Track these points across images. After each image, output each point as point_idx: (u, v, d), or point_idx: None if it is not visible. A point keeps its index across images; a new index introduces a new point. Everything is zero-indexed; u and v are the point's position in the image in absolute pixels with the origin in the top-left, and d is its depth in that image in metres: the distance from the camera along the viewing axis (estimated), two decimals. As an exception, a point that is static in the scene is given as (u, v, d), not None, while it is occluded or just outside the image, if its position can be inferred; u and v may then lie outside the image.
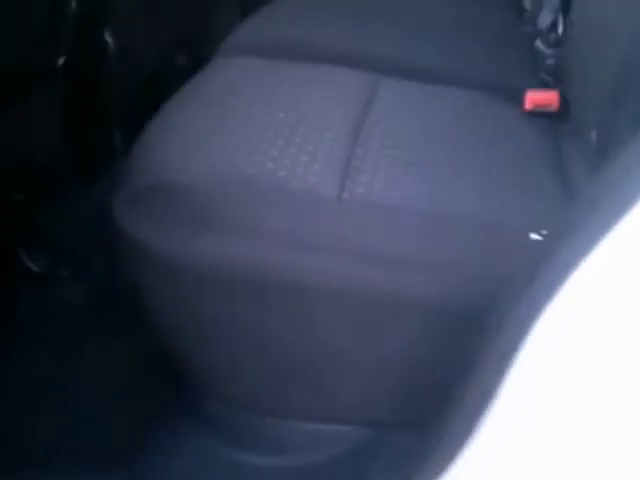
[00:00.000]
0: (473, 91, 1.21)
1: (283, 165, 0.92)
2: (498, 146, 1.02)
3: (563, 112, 1.13)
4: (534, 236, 0.83)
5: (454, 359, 0.63)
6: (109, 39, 1.53)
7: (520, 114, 1.15)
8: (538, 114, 1.15)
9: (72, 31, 1.41)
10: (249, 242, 0.86)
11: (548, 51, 1.16)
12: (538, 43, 1.19)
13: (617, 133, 0.82)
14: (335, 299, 0.87)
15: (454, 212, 0.89)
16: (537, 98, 1.15)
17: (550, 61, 1.16)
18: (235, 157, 0.92)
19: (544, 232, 0.84)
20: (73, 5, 1.40)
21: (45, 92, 1.35)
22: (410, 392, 0.90)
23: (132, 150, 1.02)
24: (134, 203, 0.92)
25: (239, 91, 1.10)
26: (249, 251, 0.86)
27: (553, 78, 1.17)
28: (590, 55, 1.01)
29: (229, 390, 0.96)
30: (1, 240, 1.45)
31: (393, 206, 0.89)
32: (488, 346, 0.58)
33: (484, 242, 0.86)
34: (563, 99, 1.13)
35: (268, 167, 0.91)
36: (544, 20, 1.16)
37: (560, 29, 1.14)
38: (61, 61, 1.38)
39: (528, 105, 1.16)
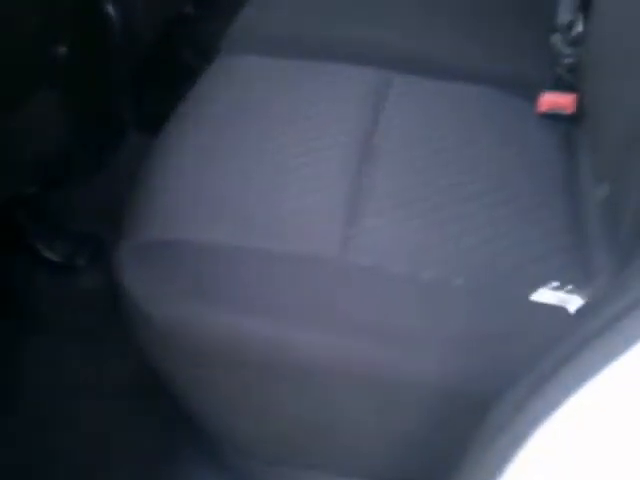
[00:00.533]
0: (488, 87, 1.17)
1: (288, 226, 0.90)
2: (510, 178, 0.99)
3: (579, 116, 1.09)
4: (542, 296, 0.82)
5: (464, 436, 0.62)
6: (111, 11, 1.50)
7: (535, 116, 1.12)
8: (553, 116, 1.12)
9: (71, 16, 1.37)
10: (254, 317, 0.85)
11: (566, 49, 1.12)
12: (556, 39, 1.14)
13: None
14: (338, 377, 0.85)
15: (462, 281, 0.87)
16: (552, 101, 1.11)
17: (568, 60, 1.12)
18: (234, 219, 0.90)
19: (555, 284, 0.83)
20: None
21: (48, 85, 1.33)
22: (418, 458, 0.90)
23: (133, 193, 0.99)
24: (139, 263, 0.90)
25: (243, 116, 1.07)
26: (254, 327, 0.85)
27: (571, 76, 1.12)
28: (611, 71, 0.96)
29: (244, 446, 0.96)
30: (17, 233, 1.45)
31: (399, 276, 0.87)
32: (488, 436, 0.57)
33: (490, 312, 0.85)
34: (580, 102, 1.09)
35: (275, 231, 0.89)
36: (564, 15, 1.11)
37: (579, 27, 1.09)
38: (63, 50, 1.35)
39: (543, 107, 1.12)
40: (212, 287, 0.87)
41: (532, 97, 1.15)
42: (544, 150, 1.06)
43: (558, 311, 0.86)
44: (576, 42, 1.09)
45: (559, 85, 1.13)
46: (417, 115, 1.10)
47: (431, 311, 0.86)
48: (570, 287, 0.86)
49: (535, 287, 0.86)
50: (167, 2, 1.84)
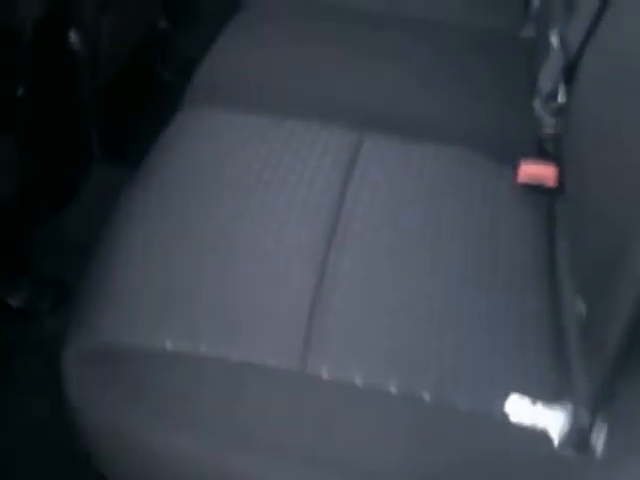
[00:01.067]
0: (464, 150, 1.11)
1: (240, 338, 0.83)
2: (483, 269, 0.92)
3: (560, 190, 1.03)
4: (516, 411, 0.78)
5: None
6: (75, 42, 1.42)
7: (514, 186, 1.06)
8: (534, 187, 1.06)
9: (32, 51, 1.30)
10: (204, 436, 0.78)
11: (548, 119, 1.05)
12: (537, 105, 1.07)
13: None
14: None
15: (429, 397, 0.80)
16: (532, 172, 1.05)
17: (549, 130, 1.05)
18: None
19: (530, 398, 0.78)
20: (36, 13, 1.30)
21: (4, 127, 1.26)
22: None
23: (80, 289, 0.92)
24: (84, 368, 0.83)
25: (198, 187, 1.00)
26: (204, 447, 0.78)
27: (553, 145, 1.06)
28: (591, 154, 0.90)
29: None
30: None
31: (365, 391, 0.80)
32: None
33: (462, 433, 0.79)
34: (562, 176, 1.03)
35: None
36: (545, 84, 1.05)
37: (560, 98, 1.03)
38: (20, 91, 1.27)
39: (522, 178, 1.06)
40: (157, 398, 0.81)
41: (511, 162, 1.09)
42: (522, 231, 0.99)
43: (536, 432, 0.81)
44: (558, 113, 1.02)
45: (541, 152, 1.07)
46: (387, 186, 1.04)
47: (401, 437, 0.79)
48: (546, 402, 0.81)
49: (508, 401, 0.81)
50: (137, 21, 1.77)
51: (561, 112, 1.02)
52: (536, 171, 1.04)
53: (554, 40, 1.04)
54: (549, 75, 1.02)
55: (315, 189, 1.02)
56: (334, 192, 1.02)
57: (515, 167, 1.07)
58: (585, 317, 0.78)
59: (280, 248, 0.93)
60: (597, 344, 0.75)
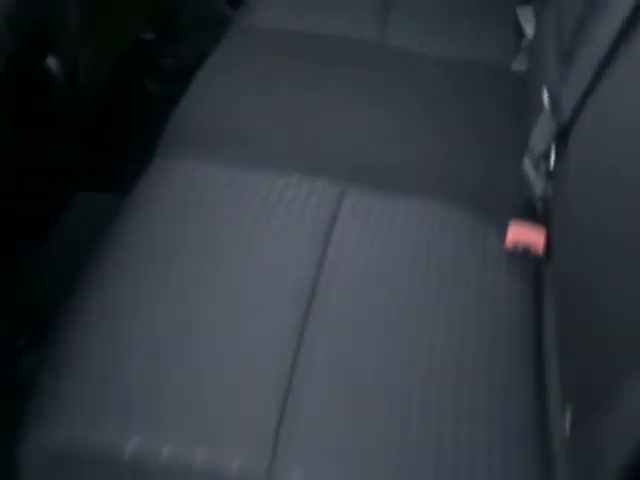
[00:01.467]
0: (451, 205, 1.06)
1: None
2: (464, 356, 0.87)
3: (548, 255, 0.99)
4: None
5: None
6: (54, 67, 1.36)
7: (500, 249, 1.02)
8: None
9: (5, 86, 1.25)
10: None
11: (537, 180, 1.00)
12: (527, 164, 1.02)
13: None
14: None
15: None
16: (521, 235, 1.00)
17: (538, 191, 1.00)
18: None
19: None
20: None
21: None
22: None
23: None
24: (41, 465, 0.78)
25: (165, 255, 0.95)
26: None
27: (541, 205, 1.01)
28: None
29: None
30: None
31: None
32: None
33: None
34: (549, 243, 0.98)
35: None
36: (536, 144, 0.99)
37: (552, 161, 0.98)
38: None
39: (511, 241, 1.01)
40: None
41: (499, 220, 1.04)
42: (508, 304, 0.95)
43: None
44: (549, 176, 0.97)
45: (529, 211, 1.02)
46: (367, 254, 0.99)
47: None
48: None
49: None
50: (122, 35, 1.71)
51: (552, 176, 0.97)
52: (524, 236, 0.99)
53: (546, 98, 0.99)
54: (540, 135, 0.96)
55: (293, 255, 0.97)
56: (311, 264, 0.96)
57: (502, 225, 1.03)
58: (571, 436, 0.73)
59: (251, 332, 0.87)
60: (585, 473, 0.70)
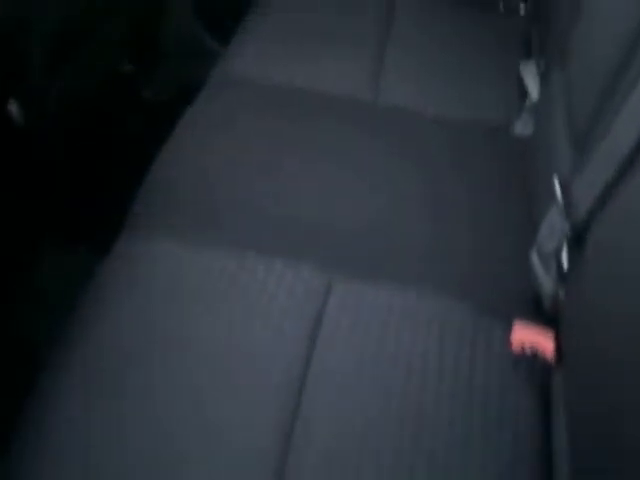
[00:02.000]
0: (451, 299, 0.97)
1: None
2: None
3: (558, 360, 0.90)
4: None
5: None
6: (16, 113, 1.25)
7: (505, 352, 0.92)
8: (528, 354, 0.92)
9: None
10: None
11: (546, 278, 0.91)
12: (535, 259, 0.93)
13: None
14: None
15: None
16: (527, 340, 0.91)
17: (547, 289, 0.91)
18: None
19: None
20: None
21: None
22: None
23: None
24: None
25: (131, 352, 0.85)
26: None
27: (550, 303, 0.92)
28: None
29: None
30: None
31: None
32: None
33: None
34: (559, 342, 0.89)
35: None
36: (545, 240, 0.90)
37: (565, 263, 0.89)
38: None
39: (517, 344, 0.92)
40: None
41: (503, 318, 0.95)
42: (515, 413, 0.86)
43: None
44: (560, 277, 0.88)
45: (536, 307, 0.93)
46: (357, 354, 0.89)
47: None
48: None
49: None
50: (98, 67, 1.61)
51: (563, 277, 0.88)
52: (532, 339, 0.90)
53: (557, 189, 0.90)
54: (550, 231, 0.87)
55: (278, 352, 0.88)
56: (298, 361, 0.87)
57: (506, 322, 0.94)
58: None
59: (235, 434, 0.79)
60: None
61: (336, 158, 1.12)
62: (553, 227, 0.87)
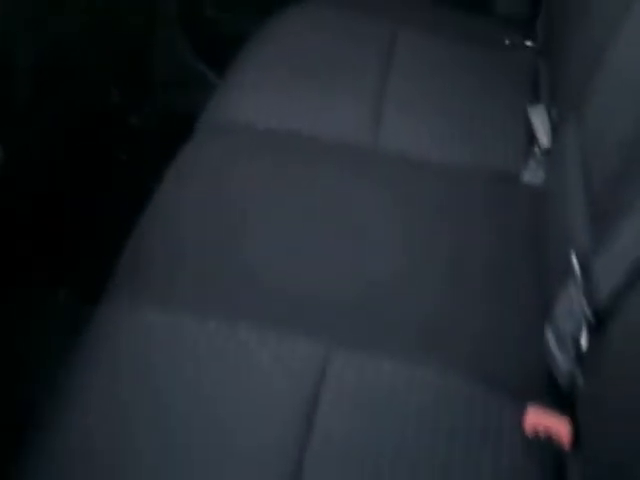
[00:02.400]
0: (458, 377, 0.90)
1: None
2: None
3: (574, 447, 0.83)
4: None
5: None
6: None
7: (517, 437, 0.86)
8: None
9: None
10: None
11: (562, 360, 0.84)
12: (550, 336, 0.86)
13: None
14: None
15: None
16: (540, 421, 0.85)
17: (564, 371, 0.84)
18: None
19: None
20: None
21: None
22: None
23: None
24: None
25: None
26: None
27: (566, 383, 0.86)
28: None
29: None
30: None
31: None
32: None
33: None
34: (576, 427, 0.83)
35: None
36: (562, 319, 0.83)
37: (584, 344, 0.82)
38: None
39: (530, 427, 0.85)
40: None
41: (515, 398, 0.88)
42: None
43: None
44: (578, 361, 0.81)
45: (550, 392, 0.87)
46: (358, 438, 0.82)
47: None
48: None
49: None
50: (84, 100, 1.54)
51: (581, 357, 0.81)
52: (546, 422, 0.84)
53: (575, 264, 0.83)
54: (568, 310, 0.80)
55: (271, 435, 0.81)
56: (293, 449, 0.80)
57: (519, 402, 0.88)
58: None
59: None
60: None
61: (335, 218, 1.05)
62: (571, 306, 0.81)
